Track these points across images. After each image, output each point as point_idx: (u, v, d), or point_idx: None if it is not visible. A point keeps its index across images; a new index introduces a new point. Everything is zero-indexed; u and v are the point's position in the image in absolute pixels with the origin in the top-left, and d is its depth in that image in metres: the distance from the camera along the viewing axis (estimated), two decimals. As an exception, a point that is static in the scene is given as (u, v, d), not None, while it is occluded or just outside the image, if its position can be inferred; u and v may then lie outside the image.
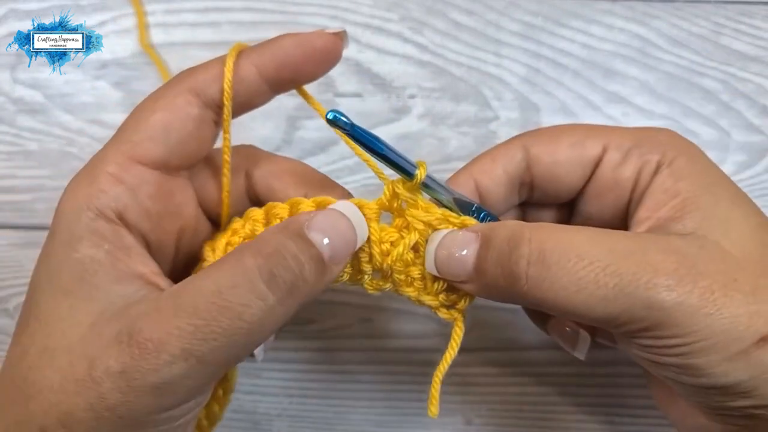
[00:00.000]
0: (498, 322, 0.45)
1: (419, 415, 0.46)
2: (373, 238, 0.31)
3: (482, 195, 0.35)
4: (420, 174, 0.30)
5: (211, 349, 0.27)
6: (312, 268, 0.28)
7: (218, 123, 0.34)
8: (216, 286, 0.27)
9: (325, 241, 0.28)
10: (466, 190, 0.34)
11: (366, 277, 0.32)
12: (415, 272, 0.32)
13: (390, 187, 0.31)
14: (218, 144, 0.35)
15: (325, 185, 0.35)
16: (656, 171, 0.32)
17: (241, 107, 0.34)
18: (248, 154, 0.36)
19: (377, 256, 0.31)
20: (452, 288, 0.32)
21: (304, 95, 0.36)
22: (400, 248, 0.31)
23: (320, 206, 0.31)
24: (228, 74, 0.32)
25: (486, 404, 0.46)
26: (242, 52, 0.33)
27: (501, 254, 0.29)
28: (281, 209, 0.32)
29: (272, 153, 0.37)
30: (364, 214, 0.31)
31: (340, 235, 0.29)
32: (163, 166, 0.32)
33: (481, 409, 0.46)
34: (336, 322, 0.46)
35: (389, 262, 0.31)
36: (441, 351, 0.45)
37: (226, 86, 0.32)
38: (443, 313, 0.33)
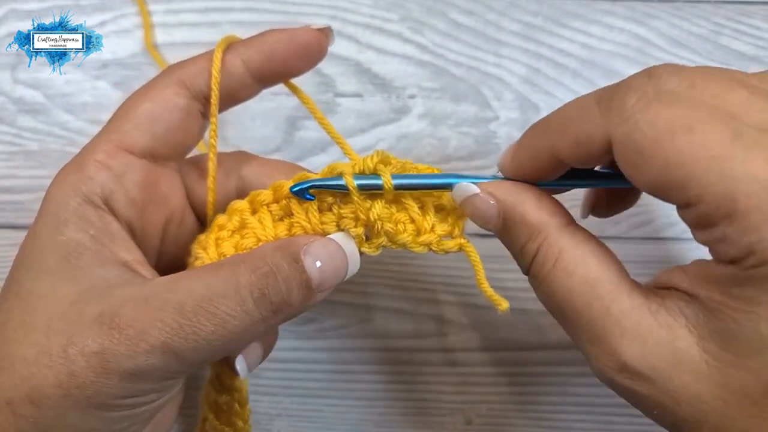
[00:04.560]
0: (497, 322, 0.45)
1: (419, 414, 0.46)
2: (354, 198, 0.31)
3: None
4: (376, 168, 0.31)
5: (189, 348, 0.28)
6: (299, 294, 0.29)
7: (205, 115, 0.34)
8: (207, 292, 0.28)
9: (318, 268, 0.29)
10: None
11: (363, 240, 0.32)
12: (403, 217, 0.32)
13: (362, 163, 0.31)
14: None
15: None
16: None
17: (228, 100, 0.35)
18: (241, 158, 0.37)
19: (362, 214, 0.31)
20: (443, 218, 0.32)
21: (293, 89, 0.37)
22: (379, 203, 0.31)
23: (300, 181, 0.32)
24: (216, 59, 0.33)
25: (486, 404, 0.46)
26: (230, 46, 0.34)
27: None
28: (266, 195, 0.33)
29: (263, 157, 0.38)
30: (342, 171, 0.31)
31: (333, 266, 0.30)
32: (149, 155, 0.33)
33: (481, 409, 0.46)
34: (336, 321, 0.46)
35: (375, 216, 0.31)
36: (441, 351, 0.45)
37: (214, 70, 0.33)
38: (446, 245, 0.32)
